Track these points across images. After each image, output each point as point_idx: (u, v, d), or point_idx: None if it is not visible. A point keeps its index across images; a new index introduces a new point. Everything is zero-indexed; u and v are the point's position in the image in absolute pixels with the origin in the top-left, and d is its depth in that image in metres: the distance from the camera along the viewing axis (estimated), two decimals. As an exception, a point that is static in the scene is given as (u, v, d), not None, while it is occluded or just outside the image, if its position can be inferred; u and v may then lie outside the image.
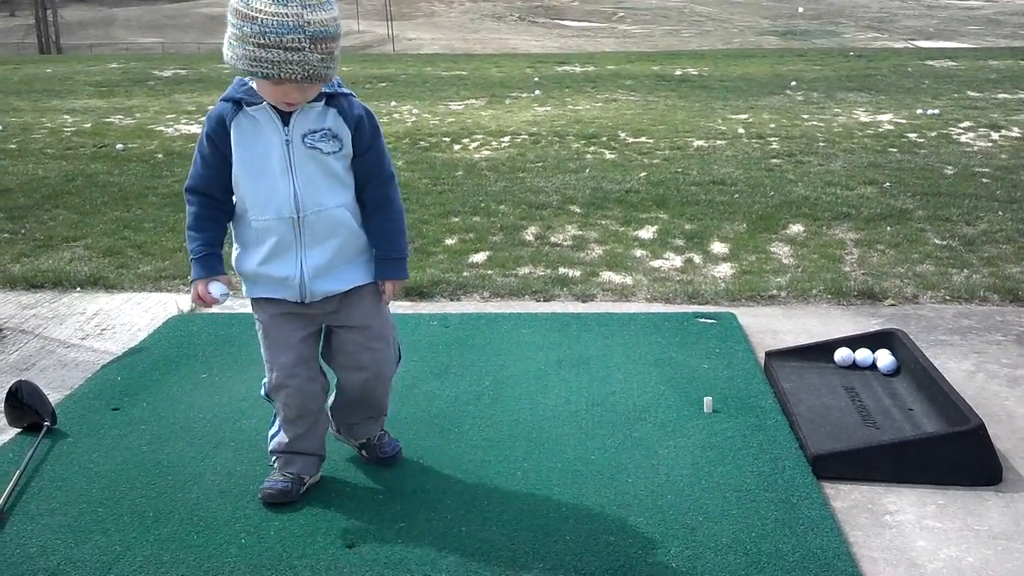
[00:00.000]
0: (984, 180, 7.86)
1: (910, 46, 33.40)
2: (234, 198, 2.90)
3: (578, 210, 6.96)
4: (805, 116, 11.86)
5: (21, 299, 5.16)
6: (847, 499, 3.05)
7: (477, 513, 2.94)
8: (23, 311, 4.96)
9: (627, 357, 4.17)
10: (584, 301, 5.02)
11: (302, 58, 2.55)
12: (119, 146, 10.07)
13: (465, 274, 5.42)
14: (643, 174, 8.26)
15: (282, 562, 2.70)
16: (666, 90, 15.11)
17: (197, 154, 2.88)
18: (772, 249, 5.94)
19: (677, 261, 5.71)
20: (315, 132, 2.78)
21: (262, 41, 2.53)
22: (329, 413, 3.18)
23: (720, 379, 3.92)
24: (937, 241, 6.06)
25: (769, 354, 4.09)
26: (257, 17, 2.52)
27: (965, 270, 5.43)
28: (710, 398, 3.66)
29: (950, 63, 18.70)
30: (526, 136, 10.67)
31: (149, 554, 2.74)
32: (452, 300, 5.10)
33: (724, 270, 5.53)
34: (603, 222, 6.62)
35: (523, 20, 66.83)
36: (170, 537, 2.83)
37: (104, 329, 4.69)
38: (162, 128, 11.48)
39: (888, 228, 6.36)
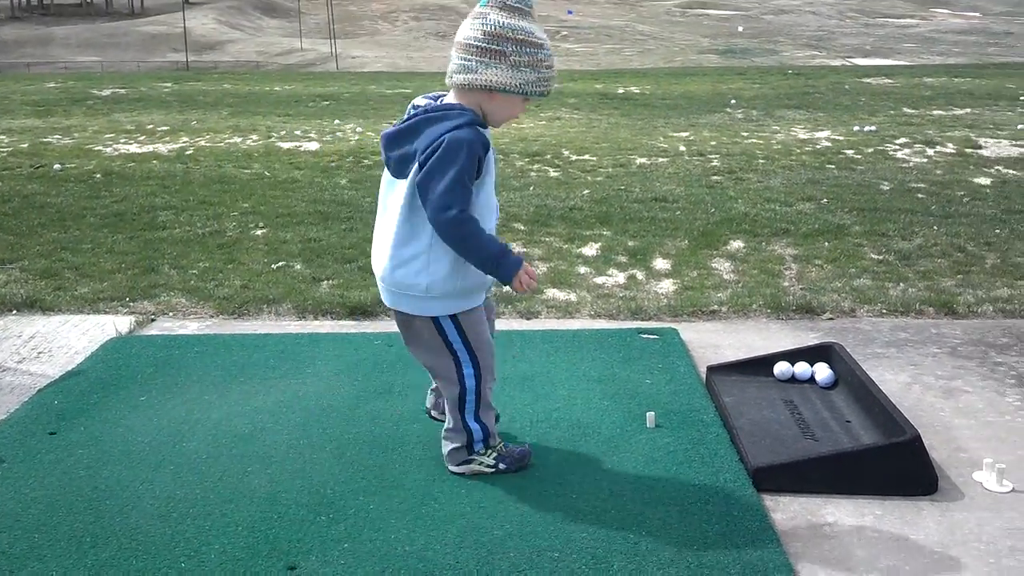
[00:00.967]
0: (920, 195, 8.02)
1: (847, 64, 34.00)
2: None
3: (522, 227, 6.98)
4: (745, 134, 12.02)
5: (-46, 322, 5.06)
6: (787, 511, 3.09)
7: (421, 532, 2.94)
8: (-43, 335, 4.86)
9: (571, 373, 4.20)
10: (528, 318, 5.04)
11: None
12: (56, 166, 9.92)
13: (409, 292, 5.40)
14: (586, 191, 8.31)
15: (223, 586, 2.67)
16: (609, 108, 15.23)
17: (462, 179, 2.92)
18: (713, 265, 6.00)
19: (620, 278, 5.75)
20: None
21: (549, 63, 2.99)
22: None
23: (663, 394, 3.96)
24: (874, 256, 6.17)
25: (710, 369, 4.13)
26: (542, 43, 2.97)
27: (901, 284, 5.54)
28: (653, 413, 3.69)
29: (886, 80, 19.06)
30: (470, 154, 10.66)
31: (86, 580, 2.69)
32: (396, 319, 5.08)
33: (666, 286, 5.58)
34: (547, 239, 6.65)
35: (467, 39, 66.46)
36: (108, 562, 2.78)
37: (41, 352, 4.61)
38: (101, 148, 11.32)
39: (826, 243, 6.46)
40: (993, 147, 10.69)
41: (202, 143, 11.59)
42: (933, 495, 3.18)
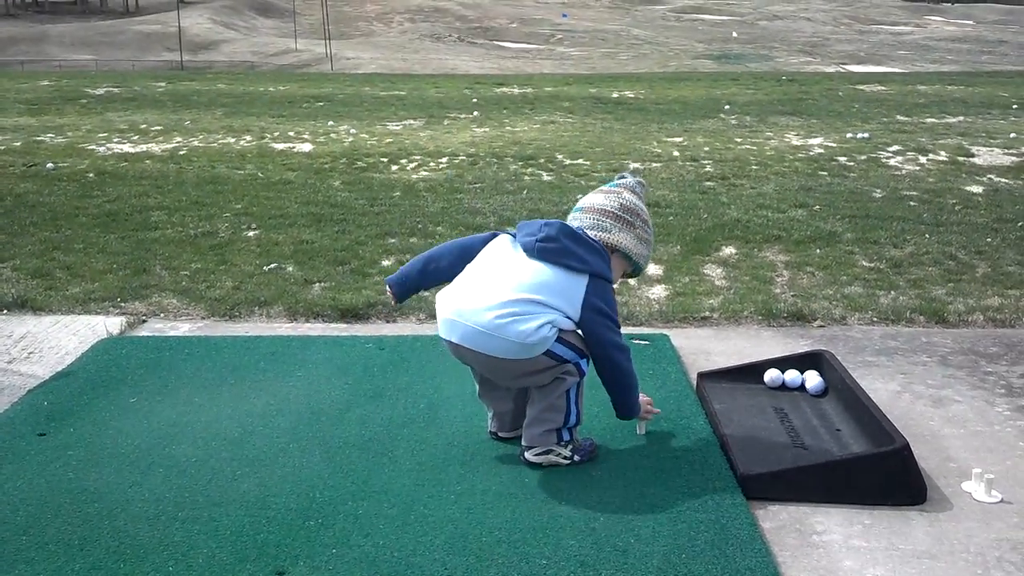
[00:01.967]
0: (912, 203, 8.04)
1: (841, 70, 34.08)
2: None
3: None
4: (738, 139, 12.04)
5: (-56, 322, 5.04)
6: (776, 519, 3.09)
7: (410, 538, 2.93)
8: (-54, 334, 4.84)
9: (561, 379, 4.18)
10: (519, 323, 5.03)
11: None
12: (49, 165, 9.90)
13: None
14: (580, 196, 8.31)
15: (211, 590, 2.66)
16: (603, 112, 15.25)
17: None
18: (705, 271, 6.01)
19: (612, 283, 5.75)
20: None
21: (652, 245, 3.59)
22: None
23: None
24: (865, 263, 6.18)
25: (701, 375, 4.13)
26: (650, 222, 3.52)
27: (892, 292, 5.55)
28: (643, 420, 3.69)
29: (880, 88, 19.12)
30: (464, 157, 10.69)
31: (74, 584, 2.68)
32: (388, 322, 5.09)
33: (658, 292, 5.58)
34: (539, 244, 6.64)
35: (462, 41, 66.97)
36: (96, 565, 2.77)
37: (31, 352, 4.60)
38: (94, 147, 11.31)
39: (817, 250, 6.47)
40: (986, 155, 10.73)
41: (195, 143, 11.58)
42: (922, 505, 3.18)
